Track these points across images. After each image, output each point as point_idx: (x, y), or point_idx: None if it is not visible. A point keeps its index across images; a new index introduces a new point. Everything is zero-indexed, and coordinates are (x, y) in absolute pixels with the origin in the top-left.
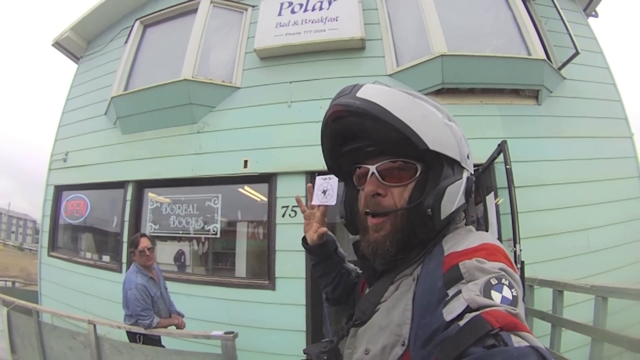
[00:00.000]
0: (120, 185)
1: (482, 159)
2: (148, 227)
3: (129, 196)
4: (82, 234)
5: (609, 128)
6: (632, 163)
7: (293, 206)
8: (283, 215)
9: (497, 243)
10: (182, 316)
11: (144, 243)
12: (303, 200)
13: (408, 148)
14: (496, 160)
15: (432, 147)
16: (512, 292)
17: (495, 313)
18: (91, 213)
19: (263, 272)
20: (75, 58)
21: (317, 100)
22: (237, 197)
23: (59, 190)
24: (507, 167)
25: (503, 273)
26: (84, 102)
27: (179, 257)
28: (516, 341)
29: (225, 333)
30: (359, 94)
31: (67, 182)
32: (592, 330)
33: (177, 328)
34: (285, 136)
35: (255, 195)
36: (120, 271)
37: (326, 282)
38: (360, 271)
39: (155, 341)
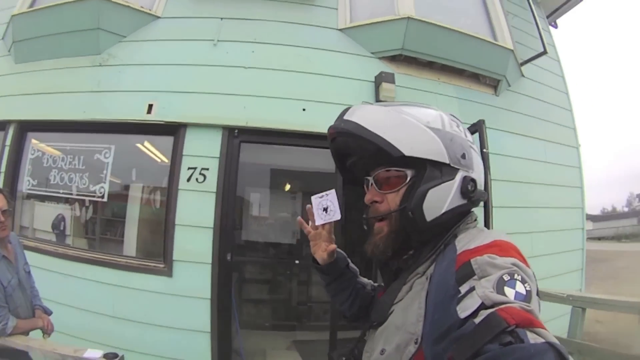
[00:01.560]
0: (2, 126)
1: None
2: (25, 183)
3: (8, 141)
4: None
5: (559, 134)
6: (576, 173)
7: (203, 169)
8: (189, 180)
9: (509, 240)
10: (49, 314)
11: None
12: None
13: (394, 157)
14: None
15: (408, 153)
16: (525, 287)
17: (510, 310)
18: None
19: (158, 252)
20: None
21: (250, 43)
22: (134, 154)
23: None
24: (484, 150)
25: (515, 268)
26: None
27: (58, 223)
28: (532, 338)
29: (106, 357)
30: (345, 116)
31: None
32: (567, 344)
33: (42, 333)
34: (205, 80)
35: (156, 155)
36: None
37: (342, 300)
38: (376, 284)
39: (12, 355)
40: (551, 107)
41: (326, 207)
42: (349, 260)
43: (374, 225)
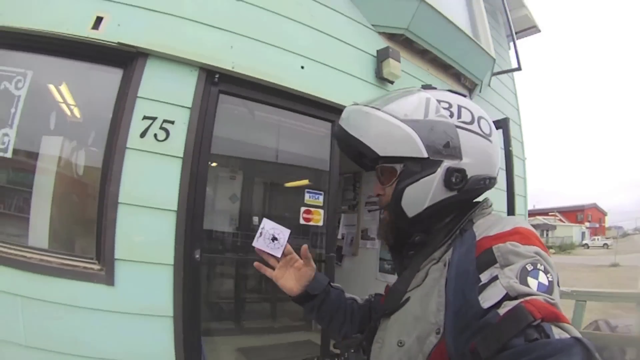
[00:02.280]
0: None
1: None
2: None
3: None
4: None
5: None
6: (521, 183)
7: (165, 121)
8: (142, 135)
9: (530, 227)
10: None
11: None
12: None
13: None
14: None
15: (382, 154)
16: (547, 278)
17: (536, 303)
18: None
19: (88, 245)
20: None
21: None
22: (58, 89)
23: None
24: (510, 148)
25: (538, 257)
26: None
27: None
28: (557, 333)
29: None
30: (339, 121)
31: None
32: None
33: None
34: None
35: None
36: None
37: (340, 322)
38: (372, 294)
39: None
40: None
41: (277, 238)
42: (332, 283)
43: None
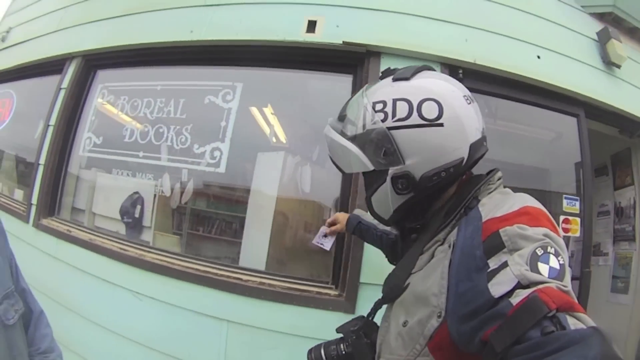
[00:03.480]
0: (59, 65)
1: None
2: (85, 142)
3: (65, 82)
4: None
5: None
6: None
7: None
8: None
9: (540, 205)
10: None
11: None
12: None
13: None
14: None
15: (347, 171)
16: (558, 261)
17: (550, 291)
18: (15, 117)
19: (322, 266)
20: None
21: None
22: (271, 94)
23: None
24: None
25: (547, 240)
26: None
27: (130, 207)
28: (572, 323)
29: None
30: None
31: None
32: None
33: None
34: None
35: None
36: (27, 220)
37: (377, 244)
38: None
39: None
40: None
41: (326, 236)
42: (360, 220)
43: None
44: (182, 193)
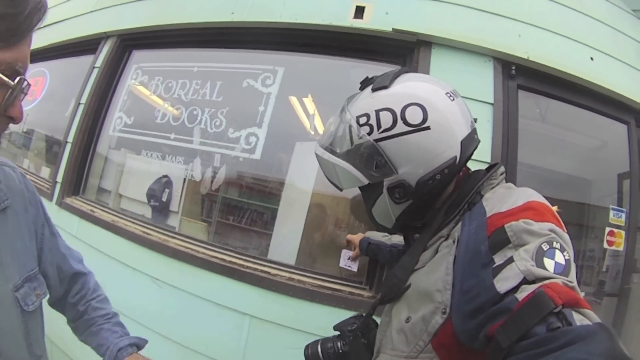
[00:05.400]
0: (94, 44)
1: None
2: (115, 121)
3: (99, 61)
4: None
5: None
6: None
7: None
8: None
9: (544, 200)
10: (142, 347)
11: None
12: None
13: None
14: None
15: (344, 187)
16: (564, 256)
17: (555, 287)
18: (47, 96)
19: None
20: None
21: None
22: (314, 80)
23: None
24: None
25: (553, 235)
26: None
27: (158, 191)
28: (578, 319)
29: None
30: None
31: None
32: None
33: None
34: None
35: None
36: (51, 198)
37: (387, 260)
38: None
39: None
40: None
41: (352, 259)
42: (370, 241)
43: None
44: (213, 179)
